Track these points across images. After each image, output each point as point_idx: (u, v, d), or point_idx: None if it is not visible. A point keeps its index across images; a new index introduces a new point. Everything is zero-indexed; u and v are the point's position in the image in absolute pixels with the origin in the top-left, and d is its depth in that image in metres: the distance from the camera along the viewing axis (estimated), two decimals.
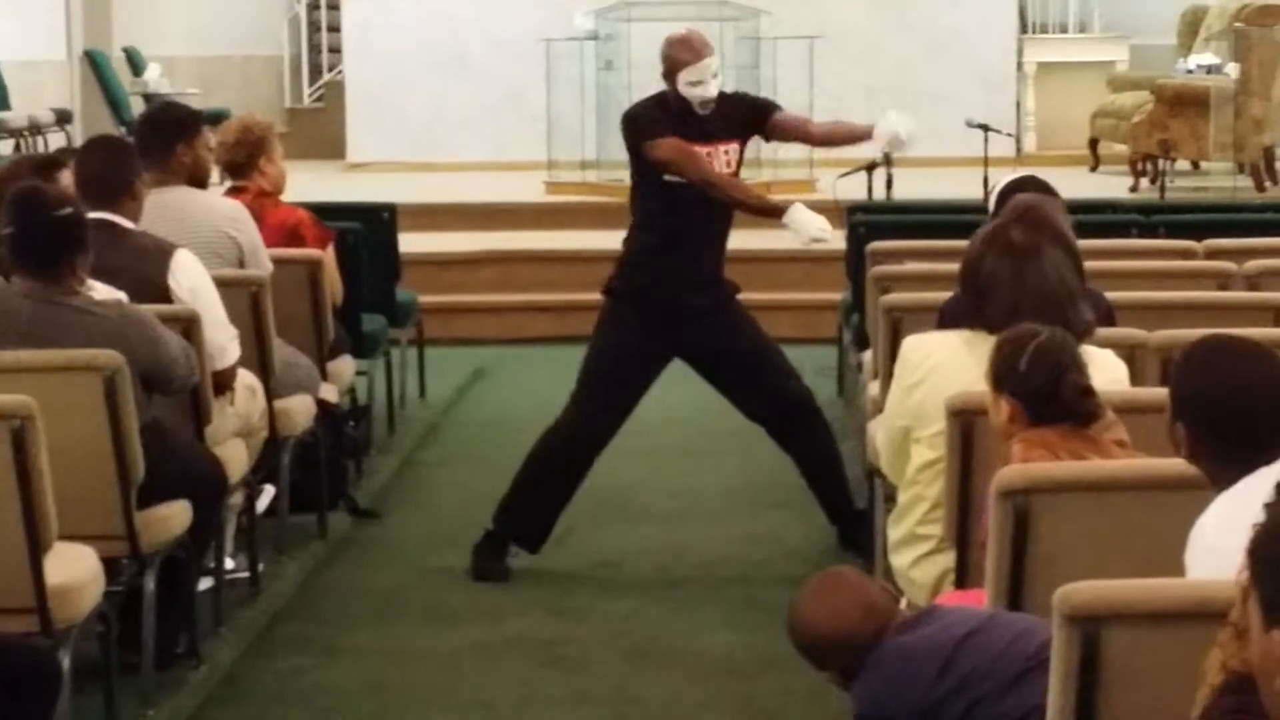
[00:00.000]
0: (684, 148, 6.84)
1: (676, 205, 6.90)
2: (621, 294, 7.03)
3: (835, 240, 7.38)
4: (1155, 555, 3.75)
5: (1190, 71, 14.00)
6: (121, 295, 5.63)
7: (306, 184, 11.07)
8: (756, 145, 13.59)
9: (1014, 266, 4.66)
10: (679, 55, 6.89)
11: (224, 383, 6.24)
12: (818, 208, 6.99)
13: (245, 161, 7.51)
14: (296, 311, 7.21)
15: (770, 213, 6.96)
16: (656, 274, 6.95)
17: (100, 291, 5.55)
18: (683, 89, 6.87)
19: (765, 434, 7.24)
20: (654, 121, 6.90)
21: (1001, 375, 4.26)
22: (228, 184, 7.60)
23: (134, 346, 5.35)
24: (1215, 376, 3.44)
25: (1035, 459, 4.09)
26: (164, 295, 6.01)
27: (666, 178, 6.88)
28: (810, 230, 6.83)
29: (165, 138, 6.77)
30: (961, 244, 5.10)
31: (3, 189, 5.67)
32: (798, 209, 6.86)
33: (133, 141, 6.89)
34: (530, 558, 6.98)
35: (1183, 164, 14.63)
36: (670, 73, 6.91)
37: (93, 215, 5.81)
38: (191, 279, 6.11)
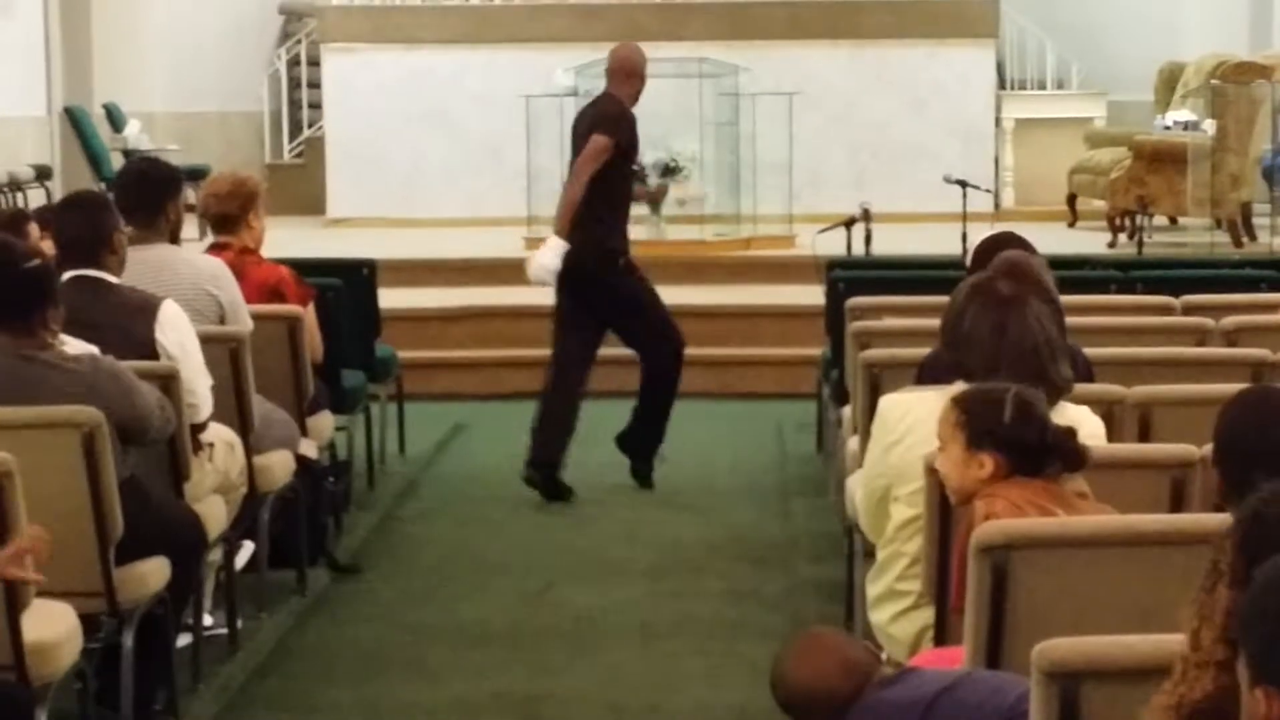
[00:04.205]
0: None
1: None
2: None
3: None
4: (1134, 611, 3.75)
5: (1168, 128, 14.06)
6: (94, 349, 5.61)
7: (286, 240, 11.07)
8: (737, 201, 13.80)
9: (997, 318, 4.60)
10: (640, 60, 8.41)
11: (198, 433, 6.24)
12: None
13: (237, 214, 7.45)
14: (277, 367, 7.22)
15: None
16: None
17: (73, 346, 5.54)
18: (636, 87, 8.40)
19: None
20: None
21: (982, 432, 4.22)
22: (208, 240, 7.58)
23: (108, 399, 5.34)
24: (1245, 425, 3.46)
25: (998, 514, 4.07)
26: (151, 349, 6.01)
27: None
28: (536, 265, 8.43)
29: (155, 195, 6.77)
30: (940, 299, 5.09)
31: None
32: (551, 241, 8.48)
33: (112, 197, 6.89)
34: (510, 614, 6.98)
35: (1160, 220, 14.68)
36: (635, 74, 8.30)
37: (76, 272, 5.81)
38: (179, 333, 6.11)
